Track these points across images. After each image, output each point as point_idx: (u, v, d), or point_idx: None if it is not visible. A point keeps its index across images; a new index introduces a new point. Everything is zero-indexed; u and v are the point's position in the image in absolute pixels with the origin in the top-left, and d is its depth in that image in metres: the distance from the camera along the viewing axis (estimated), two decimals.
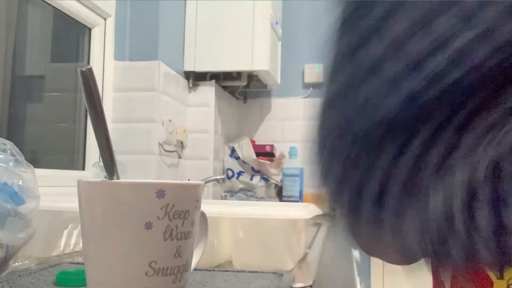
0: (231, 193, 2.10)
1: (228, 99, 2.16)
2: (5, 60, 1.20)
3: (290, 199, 2.13)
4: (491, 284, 0.32)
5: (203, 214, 0.45)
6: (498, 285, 0.32)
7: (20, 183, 0.60)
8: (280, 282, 0.57)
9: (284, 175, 2.14)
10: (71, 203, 0.70)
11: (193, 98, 1.89)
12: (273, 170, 2.12)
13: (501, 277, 0.32)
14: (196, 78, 1.90)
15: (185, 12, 1.87)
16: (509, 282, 0.31)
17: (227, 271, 0.63)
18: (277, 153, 2.22)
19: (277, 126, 2.36)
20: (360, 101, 0.28)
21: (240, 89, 2.23)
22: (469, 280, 0.35)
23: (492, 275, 0.32)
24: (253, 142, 2.22)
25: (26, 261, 0.62)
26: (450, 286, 0.38)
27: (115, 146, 0.46)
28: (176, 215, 0.37)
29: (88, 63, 1.52)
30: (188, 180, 1.71)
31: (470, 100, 0.26)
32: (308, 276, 0.64)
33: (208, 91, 1.89)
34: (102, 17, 1.54)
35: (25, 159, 0.63)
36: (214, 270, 0.63)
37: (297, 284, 0.59)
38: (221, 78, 1.99)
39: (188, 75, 1.88)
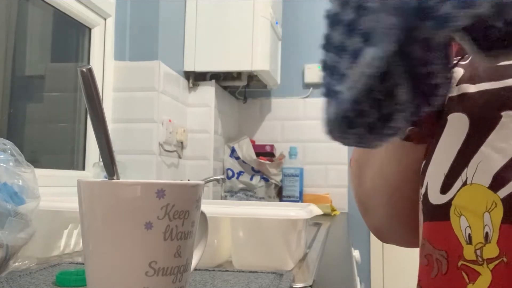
0: (231, 193, 2.10)
1: (228, 99, 2.17)
2: (5, 60, 1.20)
3: (290, 199, 2.13)
4: (462, 248, 0.33)
5: (203, 214, 0.45)
6: (467, 249, 0.32)
7: (20, 183, 0.60)
8: (280, 282, 0.57)
9: (284, 175, 2.15)
10: (71, 203, 0.70)
11: (193, 98, 1.89)
12: (273, 170, 2.12)
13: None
14: (196, 78, 1.90)
15: (185, 12, 1.87)
16: (476, 247, 0.32)
17: (227, 271, 0.63)
18: (277, 153, 2.22)
19: (277, 126, 2.36)
20: None
21: (240, 89, 2.23)
22: (438, 247, 0.35)
23: (462, 241, 0.33)
24: (253, 142, 2.22)
25: (26, 261, 0.62)
26: (420, 252, 0.39)
27: (115, 146, 0.47)
28: (176, 215, 0.37)
29: (88, 63, 1.52)
30: (188, 180, 1.71)
31: None
32: (308, 276, 0.64)
33: (208, 91, 1.89)
34: (102, 17, 1.54)
35: (25, 159, 0.63)
36: (214, 270, 0.63)
37: (297, 284, 0.59)
38: (221, 78, 1.99)
39: (188, 75, 1.88)
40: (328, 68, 0.31)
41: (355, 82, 0.28)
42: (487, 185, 0.31)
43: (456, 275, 0.33)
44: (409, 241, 0.51)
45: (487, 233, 0.31)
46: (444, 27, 0.26)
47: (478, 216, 0.32)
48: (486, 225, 0.31)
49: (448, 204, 0.34)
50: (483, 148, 0.32)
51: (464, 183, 0.33)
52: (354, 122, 0.31)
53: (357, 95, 0.29)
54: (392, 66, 0.28)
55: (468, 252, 0.32)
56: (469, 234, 0.32)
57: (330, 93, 0.31)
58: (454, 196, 0.34)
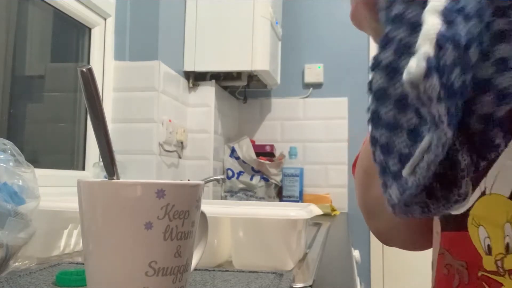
0: (231, 193, 2.10)
1: (228, 99, 2.16)
2: (5, 60, 1.20)
3: (290, 199, 2.13)
4: (481, 259, 0.33)
5: (203, 214, 0.45)
6: (486, 260, 0.32)
7: (20, 183, 0.60)
8: (280, 282, 0.57)
9: (284, 175, 2.15)
10: (71, 203, 0.70)
11: (193, 98, 1.89)
12: (273, 170, 2.12)
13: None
14: (196, 78, 1.90)
15: (185, 12, 1.87)
16: (496, 258, 0.32)
17: (227, 271, 0.63)
18: (277, 153, 2.22)
19: (277, 126, 2.36)
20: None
21: (240, 89, 2.23)
22: (458, 257, 0.35)
23: (481, 251, 0.33)
24: (253, 142, 2.22)
25: (26, 261, 0.62)
26: (437, 263, 0.39)
27: (115, 146, 0.47)
28: (176, 215, 0.37)
29: (88, 63, 1.52)
30: (188, 180, 1.71)
31: None
32: (308, 276, 0.64)
33: (208, 91, 1.89)
34: (102, 17, 1.54)
35: (25, 159, 0.63)
36: (214, 270, 0.63)
37: (297, 284, 0.59)
38: (221, 78, 1.99)
39: (188, 75, 1.88)
40: (381, 145, 0.28)
41: (421, 172, 0.26)
42: (508, 195, 0.31)
43: (477, 286, 0.33)
44: (412, 244, 0.51)
45: (508, 243, 0.31)
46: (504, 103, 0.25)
47: (499, 226, 0.31)
48: (507, 235, 0.31)
49: (466, 214, 0.34)
50: (501, 159, 0.32)
51: (483, 193, 0.33)
52: (422, 202, 0.28)
53: (424, 182, 0.26)
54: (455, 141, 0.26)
55: (488, 262, 0.32)
56: (489, 245, 0.32)
57: (388, 173, 0.28)
58: (472, 206, 0.33)
